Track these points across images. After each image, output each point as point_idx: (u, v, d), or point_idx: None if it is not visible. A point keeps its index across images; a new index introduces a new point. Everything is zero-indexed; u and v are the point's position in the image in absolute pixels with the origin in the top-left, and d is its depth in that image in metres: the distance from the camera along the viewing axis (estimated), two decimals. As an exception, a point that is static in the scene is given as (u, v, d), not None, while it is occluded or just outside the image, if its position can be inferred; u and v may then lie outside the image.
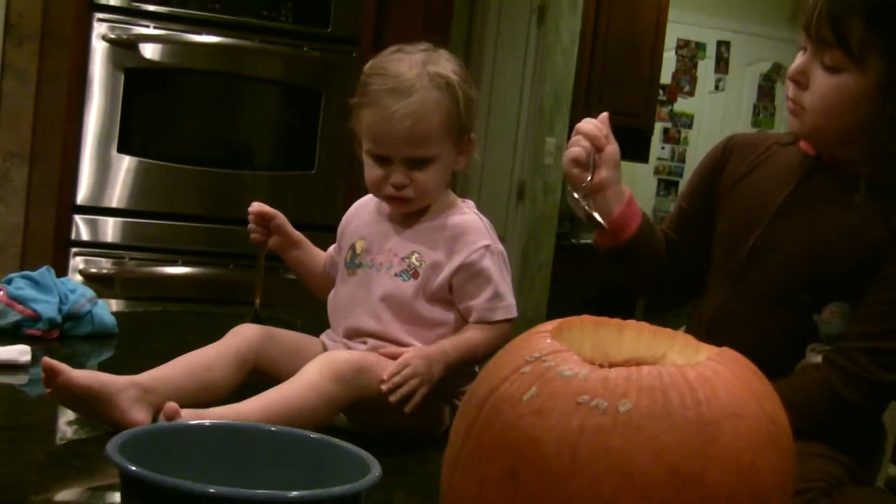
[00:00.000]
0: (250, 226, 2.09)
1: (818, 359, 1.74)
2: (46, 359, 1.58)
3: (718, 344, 1.75)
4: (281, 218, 2.09)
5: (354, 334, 1.92)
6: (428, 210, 1.95)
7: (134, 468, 1.07)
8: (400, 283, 1.89)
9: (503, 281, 1.89)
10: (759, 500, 1.08)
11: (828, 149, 1.83)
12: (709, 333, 1.79)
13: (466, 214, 1.95)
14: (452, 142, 1.90)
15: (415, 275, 1.89)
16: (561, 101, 6.19)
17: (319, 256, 2.14)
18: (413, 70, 1.86)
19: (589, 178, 1.83)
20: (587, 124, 1.86)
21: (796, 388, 1.69)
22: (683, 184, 9.43)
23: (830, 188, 1.81)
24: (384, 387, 1.70)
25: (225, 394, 1.75)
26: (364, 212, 2.04)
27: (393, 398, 1.70)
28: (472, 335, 1.85)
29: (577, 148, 1.85)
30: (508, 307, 1.89)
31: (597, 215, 1.84)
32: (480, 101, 4.94)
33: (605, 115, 1.88)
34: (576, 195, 1.85)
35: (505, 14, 5.05)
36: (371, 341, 1.88)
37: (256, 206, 2.08)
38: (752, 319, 1.77)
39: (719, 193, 1.96)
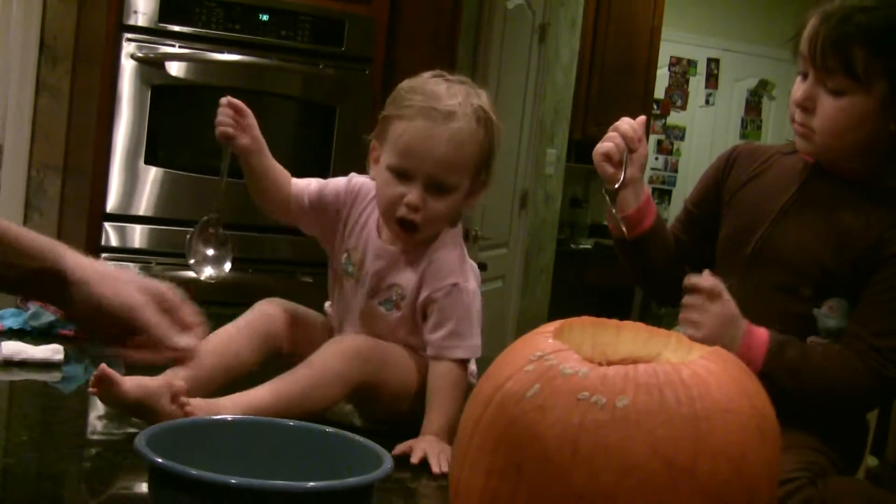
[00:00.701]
0: (221, 118, 1.87)
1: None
2: (104, 367, 1.51)
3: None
4: (252, 118, 1.90)
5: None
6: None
7: (160, 460, 1.07)
8: (384, 311, 1.85)
9: (465, 320, 1.81)
10: (748, 491, 1.07)
11: (834, 162, 1.83)
12: None
13: (449, 249, 1.85)
14: (472, 178, 1.82)
15: (397, 307, 1.85)
16: (560, 115, 6.19)
17: (284, 173, 1.97)
18: (457, 97, 1.78)
19: (622, 177, 1.84)
20: (625, 124, 1.86)
21: (821, 358, 1.70)
22: (676, 192, 9.42)
23: (830, 192, 1.81)
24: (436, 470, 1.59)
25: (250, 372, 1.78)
26: (356, 211, 1.92)
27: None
28: (446, 393, 1.75)
29: (610, 144, 1.85)
30: (469, 347, 1.81)
31: (615, 212, 1.88)
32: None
33: (642, 118, 1.89)
34: (604, 190, 1.87)
35: (508, 33, 5.04)
36: None
37: (229, 98, 1.88)
38: (754, 310, 1.76)
39: (723, 200, 1.97)
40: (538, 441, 1.06)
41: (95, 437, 1.66)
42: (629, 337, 1.29)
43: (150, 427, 1.18)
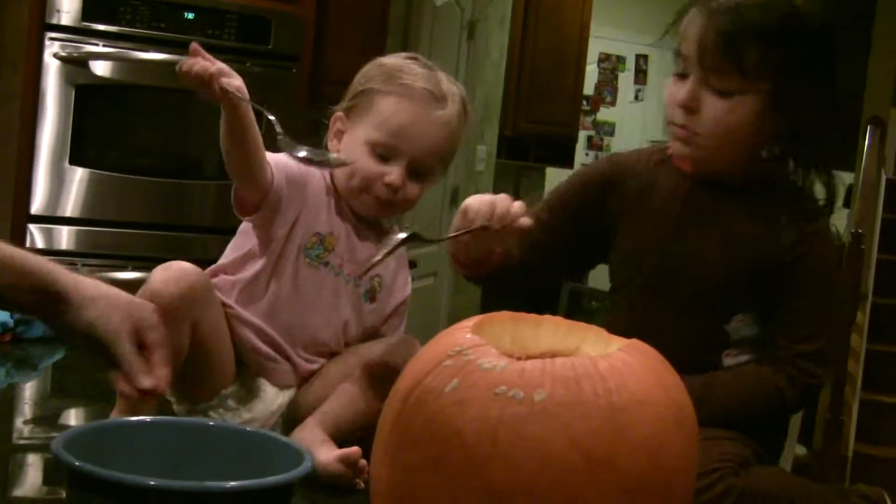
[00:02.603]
0: (202, 64, 1.58)
1: (737, 360, 1.73)
2: None
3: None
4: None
5: (311, 345, 1.78)
6: (383, 225, 1.83)
7: (78, 462, 1.06)
8: (362, 303, 1.81)
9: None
10: (666, 482, 1.08)
11: (713, 168, 1.74)
12: None
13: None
14: (437, 170, 1.81)
15: (373, 298, 1.82)
16: (491, 112, 6.21)
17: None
18: (445, 84, 1.77)
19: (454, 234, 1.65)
20: (501, 206, 1.61)
21: (742, 389, 1.68)
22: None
23: (715, 204, 1.74)
24: None
25: None
26: (317, 192, 1.78)
27: None
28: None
29: (479, 206, 1.61)
30: None
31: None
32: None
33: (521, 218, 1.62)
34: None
35: (437, 30, 5.05)
36: (321, 362, 1.79)
37: (195, 44, 1.62)
38: (666, 330, 1.68)
39: (612, 213, 1.82)
40: (457, 436, 1.06)
41: (20, 441, 1.65)
42: (548, 331, 1.30)
43: (68, 430, 1.17)
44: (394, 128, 1.72)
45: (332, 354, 1.80)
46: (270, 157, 1.69)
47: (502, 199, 1.59)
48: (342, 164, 1.72)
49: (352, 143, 1.76)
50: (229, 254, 1.81)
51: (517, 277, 1.85)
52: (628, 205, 1.80)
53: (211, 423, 1.29)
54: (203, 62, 1.57)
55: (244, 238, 1.80)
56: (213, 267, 1.79)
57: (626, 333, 1.66)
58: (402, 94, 1.73)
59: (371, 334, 1.84)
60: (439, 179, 1.86)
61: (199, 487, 1.08)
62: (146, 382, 1.35)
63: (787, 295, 1.70)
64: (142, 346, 1.36)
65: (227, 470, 1.19)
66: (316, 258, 1.76)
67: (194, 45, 1.60)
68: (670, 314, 1.74)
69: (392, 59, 1.80)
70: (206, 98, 1.58)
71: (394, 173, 1.73)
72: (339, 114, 1.80)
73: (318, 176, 1.78)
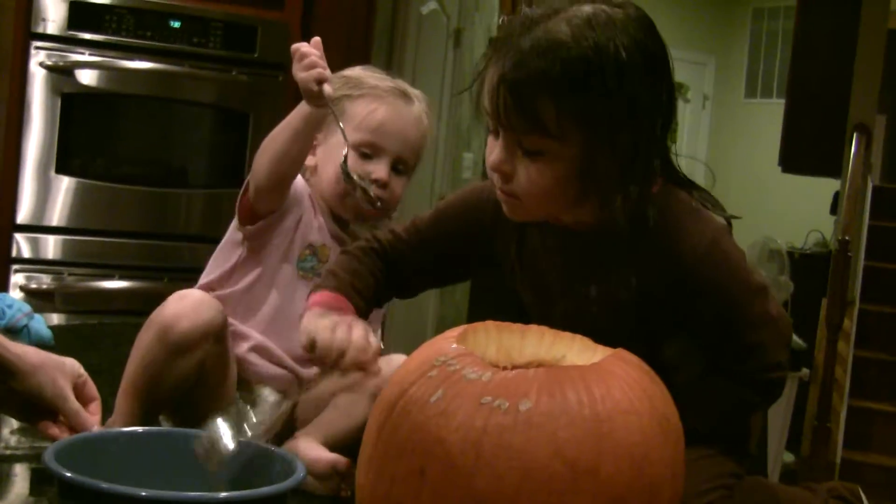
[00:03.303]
0: (313, 59, 1.63)
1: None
2: None
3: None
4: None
5: (306, 360, 1.74)
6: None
7: (69, 474, 1.06)
8: None
9: None
10: (650, 492, 1.09)
11: (560, 222, 1.57)
12: None
13: None
14: (413, 168, 1.85)
15: None
16: (478, 119, 6.22)
17: None
18: (406, 85, 1.84)
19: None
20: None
21: (704, 401, 1.62)
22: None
23: (591, 254, 1.58)
24: None
25: None
26: (308, 205, 1.79)
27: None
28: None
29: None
30: None
31: None
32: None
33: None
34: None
35: (423, 38, 5.05)
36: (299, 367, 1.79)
37: (317, 39, 1.66)
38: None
39: (498, 255, 1.70)
40: (442, 446, 1.07)
41: (7, 453, 1.64)
42: (534, 340, 1.30)
43: (58, 441, 1.17)
44: (374, 125, 1.77)
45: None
46: None
47: (357, 339, 1.45)
48: (380, 196, 1.76)
49: (330, 151, 1.79)
50: (213, 270, 1.81)
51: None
52: (512, 256, 1.67)
53: (192, 432, 1.29)
54: (321, 62, 1.63)
55: (228, 252, 1.80)
56: (198, 285, 1.79)
57: None
58: (374, 94, 1.79)
59: None
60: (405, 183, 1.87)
61: (190, 498, 1.08)
62: (92, 425, 1.46)
63: (705, 322, 1.57)
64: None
65: (219, 481, 1.20)
66: (310, 270, 1.78)
67: (317, 40, 1.66)
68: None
69: (351, 71, 1.85)
70: (304, 92, 1.63)
71: (380, 169, 1.77)
72: None
73: (306, 187, 1.82)
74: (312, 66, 1.62)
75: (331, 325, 1.46)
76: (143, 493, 1.05)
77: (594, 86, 1.41)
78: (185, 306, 1.60)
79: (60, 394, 1.46)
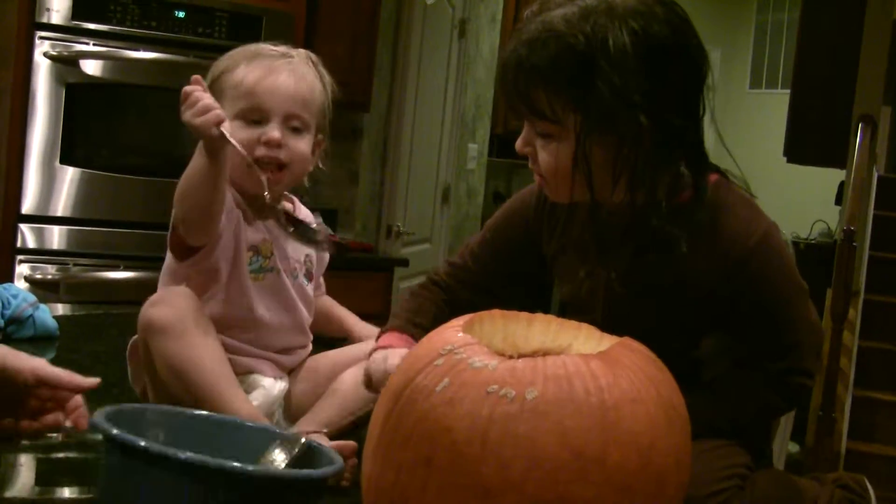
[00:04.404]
0: (206, 103, 1.57)
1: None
2: None
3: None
4: None
5: (286, 347, 1.80)
6: (281, 203, 1.77)
7: (130, 436, 1.11)
8: (305, 288, 1.82)
9: None
10: (657, 480, 1.08)
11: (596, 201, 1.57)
12: None
13: (302, 207, 1.84)
14: (315, 127, 1.77)
15: (309, 275, 1.84)
16: (482, 110, 6.21)
17: None
18: (282, 47, 1.78)
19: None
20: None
21: (727, 399, 1.63)
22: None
23: (629, 241, 1.57)
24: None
25: None
26: (233, 207, 1.73)
27: None
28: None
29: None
30: None
31: None
32: (407, 111, 4.96)
33: None
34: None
35: (428, 29, 5.05)
36: (300, 353, 1.83)
37: (197, 77, 1.62)
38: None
39: (546, 257, 1.75)
40: (448, 434, 1.07)
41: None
42: (540, 329, 1.30)
43: (105, 408, 1.20)
44: (250, 87, 1.71)
45: (298, 348, 1.83)
46: None
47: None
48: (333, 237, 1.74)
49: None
50: None
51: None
52: (554, 250, 1.72)
53: (244, 422, 1.34)
54: (213, 103, 1.57)
55: (173, 280, 1.75)
56: None
57: None
58: (247, 60, 1.73)
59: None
60: (318, 148, 1.81)
61: (230, 468, 1.10)
62: (87, 381, 1.37)
63: (747, 317, 1.59)
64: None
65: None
66: (259, 270, 1.75)
67: (197, 77, 1.60)
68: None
69: (236, 50, 1.79)
70: (204, 139, 1.58)
71: (270, 130, 1.70)
72: None
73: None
74: (206, 109, 1.56)
75: (381, 358, 1.60)
76: (186, 455, 1.08)
77: (583, 76, 1.45)
78: (160, 307, 1.61)
79: (30, 364, 1.36)
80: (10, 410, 1.37)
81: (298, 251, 1.81)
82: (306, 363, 1.84)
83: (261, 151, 1.70)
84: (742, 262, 1.54)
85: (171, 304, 1.61)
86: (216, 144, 1.58)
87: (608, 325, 1.44)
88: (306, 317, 1.83)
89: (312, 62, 1.79)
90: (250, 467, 1.13)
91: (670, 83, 1.49)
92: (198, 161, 1.62)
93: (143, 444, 1.09)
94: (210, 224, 1.66)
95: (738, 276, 1.54)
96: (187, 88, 1.59)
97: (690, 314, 1.59)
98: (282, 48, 1.78)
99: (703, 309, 1.58)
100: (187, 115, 1.57)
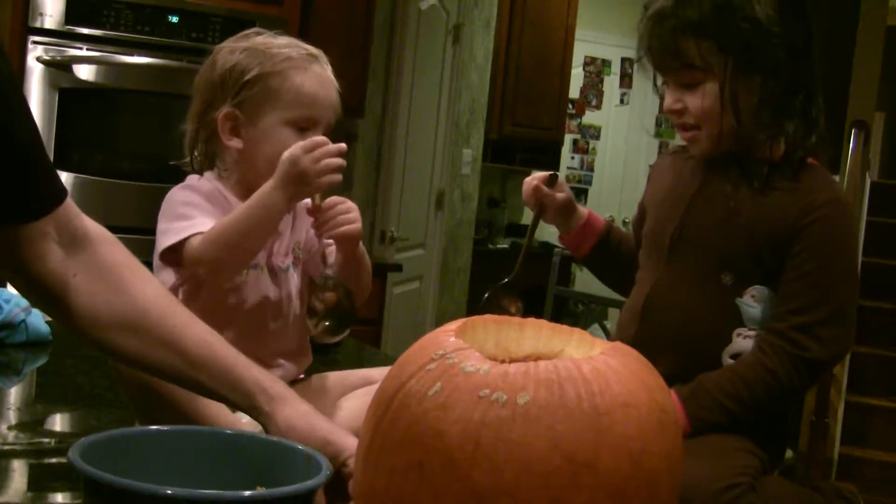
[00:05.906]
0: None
1: (745, 343, 1.74)
2: None
3: (652, 325, 1.79)
4: None
5: (269, 357, 1.76)
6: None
7: (96, 472, 1.06)
8: (294, 277, 1.81)
9: None
10: (649, 485, 1.08)
11: (726, 149, 1.81)
12: (643, 318, 1.81)
13: None
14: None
15: (297, 262, 1.83)
16: (476, 116, 6.21)
17: None
18: (312, 47, 1.79)
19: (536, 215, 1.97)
20: (526, 188, 1.94)
21: (732, 378, 1.69)
22: (592, 191, 9.45)
23: (730, 178, 1.79)
24: None
25: None
26: (214, 199, 1.79)
27: None
28: None
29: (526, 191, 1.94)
30: None
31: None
32: (401, 116, 4.96)
33: (533, 181, 1.94)
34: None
35: (422, 34, 5.05)
36: (286, 364, 1.79)
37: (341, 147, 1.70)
38: (681, 301, 1.77)
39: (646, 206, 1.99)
40: (440, 439, 1.06)
41: (6, 447, 1.64)
42: (532, 334, 1.30)
43: (83, 439, 1.15)
44: (308, 100, 1.74)
45: (298, 355, 1.81)
46: (202, 194, 1.76)
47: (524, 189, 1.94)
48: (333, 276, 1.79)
49: (262, 132, 1.74)
50: None
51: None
52: (654, 189, 1.96)
53: (229, 432, 1.31)
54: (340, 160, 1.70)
55: (164, 275, 1.76)
56: None
57: (647, 301, 1.73)
58: (293, 66, 1.74)
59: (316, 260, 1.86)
60: None
61: (216, 497, 1.07)
62: None
63: (791, 262, 1.72)
64: None
65: (247, 479, 1.20)
66: (284, 269, 1.78)
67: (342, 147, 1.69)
68: (689, 284, 1.80)
69: (245, 42, 1.79)
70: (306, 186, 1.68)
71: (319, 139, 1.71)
72: (229, 111, 1.76)
73: (215, 192, 1.79)
74: (338, 169, 1.70)
75: None
76: (168, 491, 1.03)
77: (726, 18, 1.71)
78: None
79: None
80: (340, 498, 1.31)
81: (285, 238, 1.80)
82: (312, 381, 1.83)
83: None
84: (812, 208, 1.72)
85: None
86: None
87: (675, 248, 1.81)
88: (296, 311, 1.80)
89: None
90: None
91: (799, 25, 1.78)
92: (269, 202, 1.65)
93: (128, 483, 1.05)
94: (247, 264, 1.72)
95: (804, 220, 1.71)
96: (327, 148, 1.67)
97: (753, 250, 1.74)
98: (305, 45, 1.79)
99: (765, 248, 1.73)
100: (310, 167, 1.65)
